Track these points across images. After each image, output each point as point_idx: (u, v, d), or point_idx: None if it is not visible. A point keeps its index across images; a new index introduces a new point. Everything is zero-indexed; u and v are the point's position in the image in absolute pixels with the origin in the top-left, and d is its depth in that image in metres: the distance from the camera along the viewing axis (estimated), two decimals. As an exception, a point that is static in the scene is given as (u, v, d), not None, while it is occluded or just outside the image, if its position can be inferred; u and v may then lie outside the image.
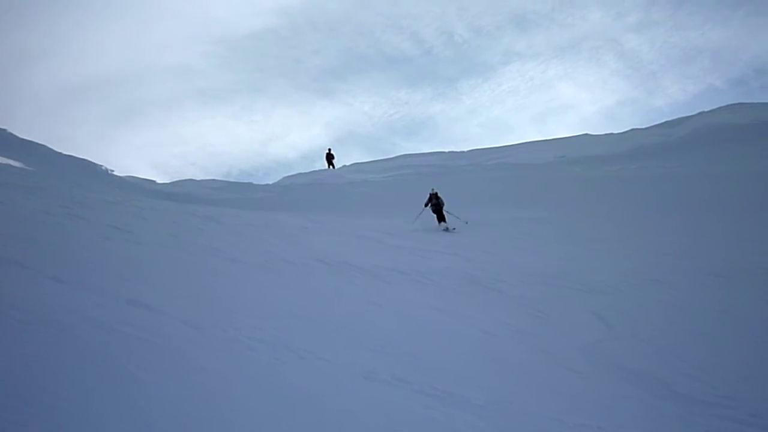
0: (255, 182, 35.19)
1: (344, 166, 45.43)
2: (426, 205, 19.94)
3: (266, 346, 6.19)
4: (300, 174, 42.73)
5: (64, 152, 27.48)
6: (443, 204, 19.87)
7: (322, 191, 30.57)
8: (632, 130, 56.85)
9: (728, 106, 59.47)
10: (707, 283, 12.86)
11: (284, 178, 42.36)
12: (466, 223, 19.47)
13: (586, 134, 56.56)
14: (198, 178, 36.78)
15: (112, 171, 27.64)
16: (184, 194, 27.31)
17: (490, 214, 21.99)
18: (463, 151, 50.78)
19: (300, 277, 10.86)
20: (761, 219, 19.34)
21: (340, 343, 7.03)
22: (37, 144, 26.45)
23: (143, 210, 15.42)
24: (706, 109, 58.45)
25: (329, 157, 40.58)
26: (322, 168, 41.41)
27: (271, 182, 38.57)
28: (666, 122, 58.17)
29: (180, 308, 6.97)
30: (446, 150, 51.95)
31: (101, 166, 27.63)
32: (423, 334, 8.37)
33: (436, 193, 20.12)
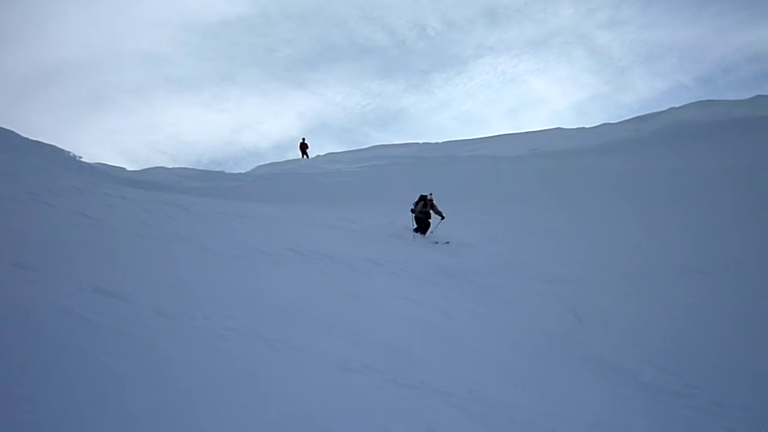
0: (226, 171, 34.83)
1: (318, 156, 45.27)
2: (413, 209, 17.09)
3: (238, 336, 6.15)
4: (273, 163, 42.49)
5: (31, 138, 26.88)
6: (437, 214, 16.84)
7: (296, 181, 30.42)
8: (603, 124, 57.60)
9: (697, 102, 60.60)
10: (675, 276, 13.11)
11: (257, 167, 42.09)
12: (447, 243, 16.07)
13: (559, 128, 57.11)
14: (168, 167, 36.31)
15: (81, 158, 27.12)
16: (154, 182, 26.96)
17: (463, 205, 22.09)
18: (437, 143, 50.92)
19: (272, 266, 10.79)
20: (728, 214, 19.76)
21: (312, 332, 7.01)
22: (2, 129, 25.84)
23: (113, 197, 15.17)
24: (674, 106, 59.53)
25: (303, 147, 40.41)
26: (296, 157, 41.25)
27: (242, 171, 38.25)
28: (636, 117, 59.09)
29: (150, 297, 6.88)
30: (420, 141, 52.03)
31: (69, 152, 27.09)
32: (395, 324, 8.39)
33: (431, 200, 16.88)
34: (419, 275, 11.98)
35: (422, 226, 16.85)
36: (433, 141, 51.82)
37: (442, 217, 16.57)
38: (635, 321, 10.03)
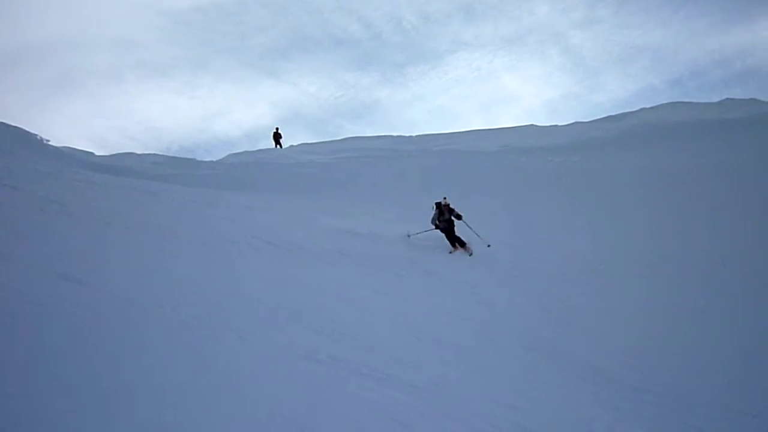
0: (198, 159, 34.41)
1: (291, 146, 45.01)
2: (434, 223, 14.90)
3: (204, 324, 6.11)
4: (246, 152, 42.12)
5: (-3, 119, 26.19)
6: (458, 218, 14.86)
7: (269, 170, 30.19)
8: (576, 123, 58.25)
9: (668, 104, 61.63)
10: (641, 273, 13.34)
11: (229, 155, 41.70)
12: (488, 246, 14.58)
13: (532, 125, 57.61)
14: (138, 153, 35.77)
15: (48, 141, 26.51)
16: (123, 168, 26.50)
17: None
18: (411, 136, 50.99)
19: (242, 256, 10.73)
20: (695, 214, 20.14)
21: (279, 322, 6.99)
22: (-33, 109, 25.12)
23: (80, 182, 14.91)
24: (645, 107, 60.48)
25: (276, 137, 40.10)
26: (269, 147, 40.91)
27: (214, 159, 37.87)
28: (608, 117, 59.90)
29: (116, 284, 6.79)
30: (394, 134, 52.08)
31: (36, 135, 26.47)
32: (363, 316, 8.42)
33: (448, 205, 14.98)
34: (388, 267, 12.00)
35: (450, 236, 14.79)
36: (407, 134, 51.89)
37: (459, 217, 14.81)
38: (600, 317, 10.20)
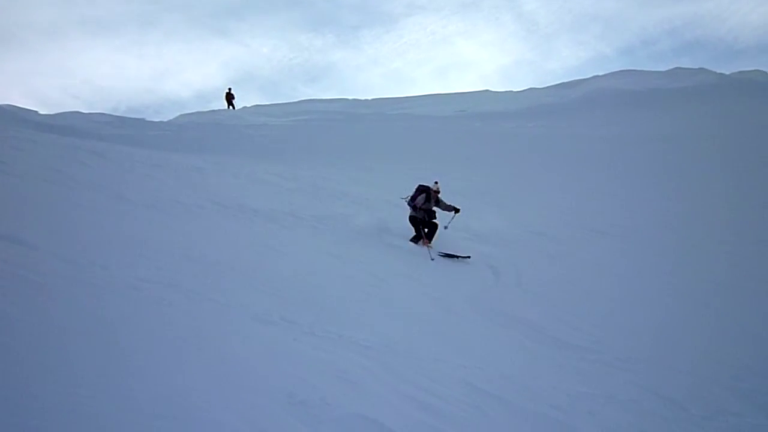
0: (147, 119, 33.49)
1: (245, 107, 44.23)
2: (411, 203, 12.28)
3: (152, 286, 6.01)
4: (198, 113, 41.20)
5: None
6: (446, 209, 12.32)
7: (221, 132, 29.61)
8: (530, 89, 58.81)
9: (620, 71, 62.68)
10: (589, 238, 13.67)
11: (180, 116, 40.76)
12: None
13: (487, 90, 57.84)
14: (84, 112, 34.59)
15: (-13, 98, 25.36)
16: (68, 127, 25.62)
17: (391, 164, 22.17)
18: (366, 100, 50.66)
19: (192, 218, 10.55)
20: (644, 181, 20.67)
21: (231, 285, 6.93)
22: None
23: (22, 141, 14.36)
24: (598, 74, 61.42)
25: (229, 97, 39.26)
26: (221, 108, 40.06)
27: (164, 120, 36.90)
28: (562, 84, 60.59)
29: (59, 245, 6.61)
30: (350, 98, 51.69)
31: (-26, 92, 25.29)
32: (317, 279, 8.41)
33: (438, 191, 12.24)
34: (344, 232, 11.99)
35: (426, 229, 12.19)
36: (362, 98, 51.53)
37: (456, 211, 12.31)
38: (548, 279, 10.43)
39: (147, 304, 5.48)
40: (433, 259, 11.16)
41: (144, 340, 4.60)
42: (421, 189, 12.28)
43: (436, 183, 12.35)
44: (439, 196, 12.25)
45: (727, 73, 60.73)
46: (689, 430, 5.56)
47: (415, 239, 12.20)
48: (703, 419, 5.84)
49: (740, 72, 62.69)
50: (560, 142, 29.58)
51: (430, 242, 12.00)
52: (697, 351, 7.72)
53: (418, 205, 12.10)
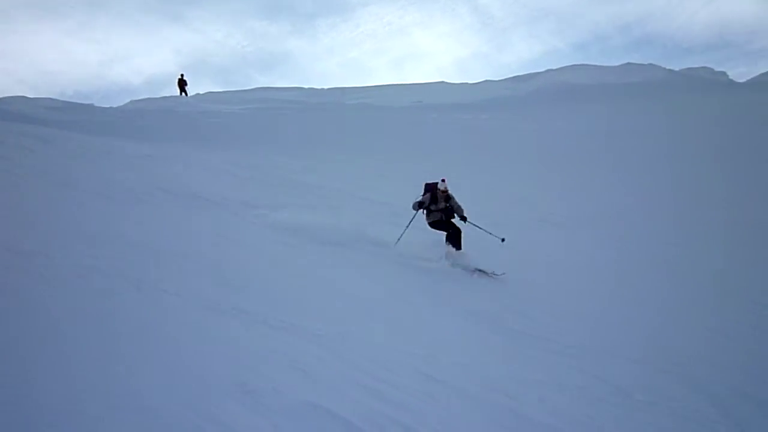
0: (95, 105, 32.54)
1: (198, 94, 43.41)
2: (419, 207, 11.16)
3: (98, 275, 5.84)
4: (149, 99, 40.29)
5: None
6: (456, 210, 11.09)
7: (173, 119, 29.00)
8: (486, 81, 59.42)
9: (573, 66, 63.95)
10: (537, 227, 13.90)
11: (131, 102, 39.81)
12: (502, 240, 10.94)
13: (444, 82, 58.19)
14: (30, 96, 33.43)
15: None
16: (14, 112, 24.75)
17: (349, 153, 22.12)
18: (323, 89, 50.38)
19: (141, 206, 10.29)
20: (592, 172, 21.13)
21: (181, 274, 6.78)
22: None
23: (-38, 126, 13.77)
24: (552, 68, 62.55)
25: (181, 84, 38.43)
26: (173, 94, 39.21)
27: (114, 106, 35.95)
28: (516, 77, 61.39)
29: (6, 234, 6.37)
30: (306, 87, 51.31)
31: None
32: (271, 268, 8.32)
33: (446, 191, 11.05)
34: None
35: (451, 232, 11.03)
36: (318, 87, 51.24)
37: (462, 218, 11.08)
38: (499, 270, 10.55)
39: (93, 294, 5.33)
40: (473, 273, 10.03)
41: (90, 331, 4.47)
42: (427, 188, 11.21)
43: (443, 181, 11.11)
44: (450, 193, 11.04)
45: (676, 69, 62.60)
46: (633, 415, 5.71)
47: (453, 247, 10.79)
48: (648, 405, 6.00)
49: (688, 69, 64.75)
50: (514, 134, 29.98)
51: (459, 247, 10.81)
52: (647, 340, 7.93)
53: (424, 204, 11.01)
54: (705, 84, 53.08)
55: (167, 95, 40.14)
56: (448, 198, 10.99)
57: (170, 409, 3.59)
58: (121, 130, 23.09)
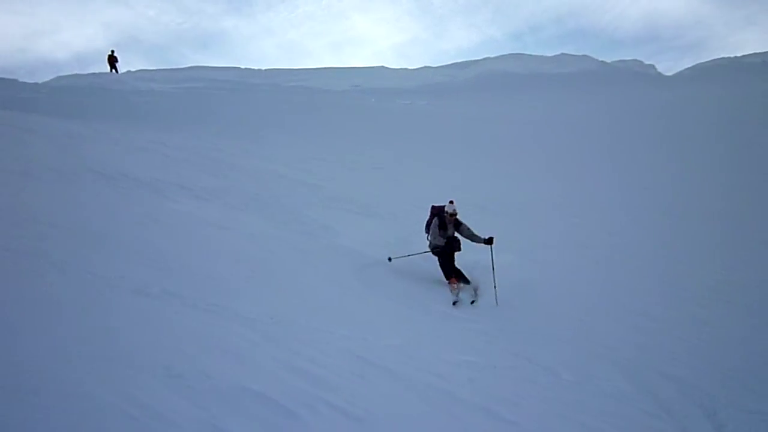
0: (19, 80, 30.97)
1: (129, 71, 41.98)
2: (428, 230, 9.80)
3: (21, 256, 5.61)
4: (77, 75, 38.63)
5: None
6: (471, 237, 9.38)
7: (102, 97, 27.91)
8: (424, 67, 59.73)
9: (509, 55, 64.93)
10: (470, 213, 14.12)
11: (56, 78, 38.10)
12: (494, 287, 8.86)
13: (383, 66, 58.15)
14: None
15: None
16: (-74, 85, 23.29)
17: (286, 135, 21.87)
18: (260, 69, 49.49)
19: (67, 186, 9.90)
20: (526, 160, 21.59)
21: (108, 256, 6.58)
22: None
23: None
24: (490, 56, 63.46)
25: (112, 60, 37.02)
26: (103, 71, 37.73)
27: (39, 82, 34.31)
28: (455, 64, 61.95)
29: None
30: (243, 67, 50.32)
31: None
32: (201, 250, 8.16)
33: (455, 214, 9.48)
34: (230, 203, 11.70)
35: (450, 263, 9.52)
36: (256, 68, 50.36)
37: (487, 242, 9.20)
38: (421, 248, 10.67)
39: (16, 275, 5.12)
40: (455, 303, 8.55)
41: (10, 314, 4.30)
42: (434, 211, 9.77)
43: (452, 203, 9.51)
44: (459, 218, 9.48)
45: (609, 61, 64.50)
46: (559, 393, 5.91)
47: (451, 282, 9.22)
48: (574, 384, 6.22)
49: (620, 60, 66.79)
50: (451, 120, 30.29)
51: (461, 280, 9.25)
52: (578, 323, 8.18)
53: (435, 242, 9.48)
54: (635, 76, 54.96)
55: (96, 72, 38.58)
56: (457, 223, 9.42)
57: (94, 393, 3.51)
58: (46, 107, 22.07)
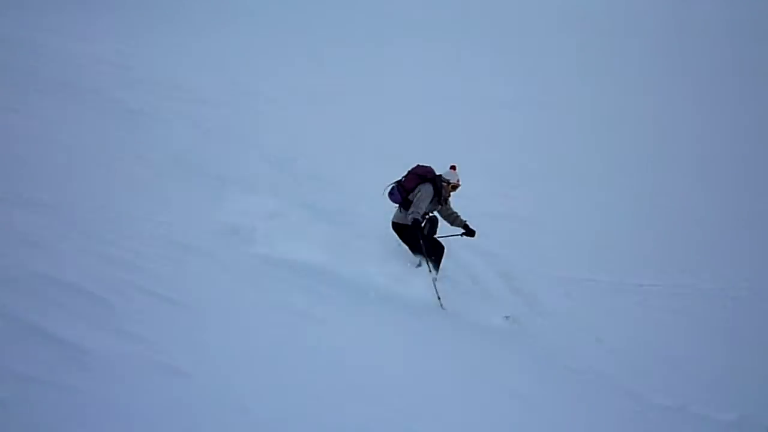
0: None
1: None
2: (402, 204, 7.13)
3: None
4: None
5: None
6: (453, 220, 7.26)
7: None
8: None
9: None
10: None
11: None
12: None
13: None
14: None
15: None
16: None
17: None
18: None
19: None
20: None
21: None
22: None
23: None
24: None
25: None
26: None
27: None
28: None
29: None
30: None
31: None
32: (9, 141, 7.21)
33: (456, 186, 7.15)
34: (30, 85, 10.44)
35: (430, 243, 7.14)
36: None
37: (467, 232, 7.25)
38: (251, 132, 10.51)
39: None
40: (443, 306, 6.70)
41: None
42: (426, 176, 7.02)
43: (454, 169, 7.22)
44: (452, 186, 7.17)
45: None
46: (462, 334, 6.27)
47: (426, 257, 6.93)
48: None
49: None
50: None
51: (438, 261, 7.10)
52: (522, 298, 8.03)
53: (421, 211, 6.84)
54: None
55: None
56: (445, 199, 7.22)
57: None
58: None
